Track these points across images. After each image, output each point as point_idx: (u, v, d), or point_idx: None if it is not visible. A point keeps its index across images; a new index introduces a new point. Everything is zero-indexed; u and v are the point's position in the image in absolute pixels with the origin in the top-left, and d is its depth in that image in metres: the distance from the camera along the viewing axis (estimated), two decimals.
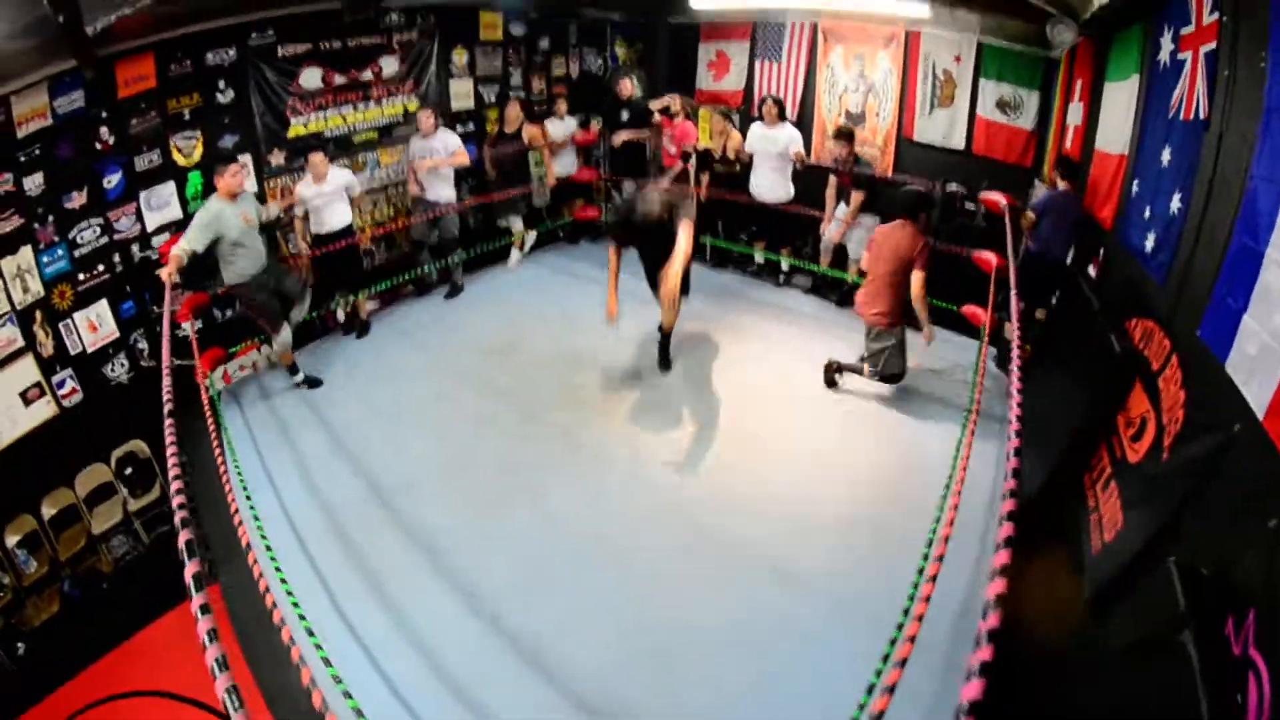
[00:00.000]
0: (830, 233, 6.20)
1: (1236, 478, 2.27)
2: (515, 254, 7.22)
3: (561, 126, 7.22)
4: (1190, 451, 2.56)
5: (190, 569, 1.92)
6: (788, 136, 6.18)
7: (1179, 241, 3.16)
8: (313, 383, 5.18)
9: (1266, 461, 2.07)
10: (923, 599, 2.26)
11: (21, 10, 3.52)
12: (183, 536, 2.04)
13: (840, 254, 6.31)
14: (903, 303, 4.43)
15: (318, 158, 5.43)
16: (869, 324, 4.58)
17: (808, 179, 6.38)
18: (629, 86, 7.27)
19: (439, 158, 6.13)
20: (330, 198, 5.55)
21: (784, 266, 6.75)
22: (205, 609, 1.84)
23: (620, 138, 7.08)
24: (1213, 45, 3.02)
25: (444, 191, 6.33)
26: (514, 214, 7.07)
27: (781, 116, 6.29)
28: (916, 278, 4.30)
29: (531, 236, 7.33)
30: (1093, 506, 3.26)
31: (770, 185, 6.37)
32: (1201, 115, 3.10)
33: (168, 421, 2.88)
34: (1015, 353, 3.80)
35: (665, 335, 4.96)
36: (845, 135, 5.86)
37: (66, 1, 3.53)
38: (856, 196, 5.84)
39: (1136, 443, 3.08)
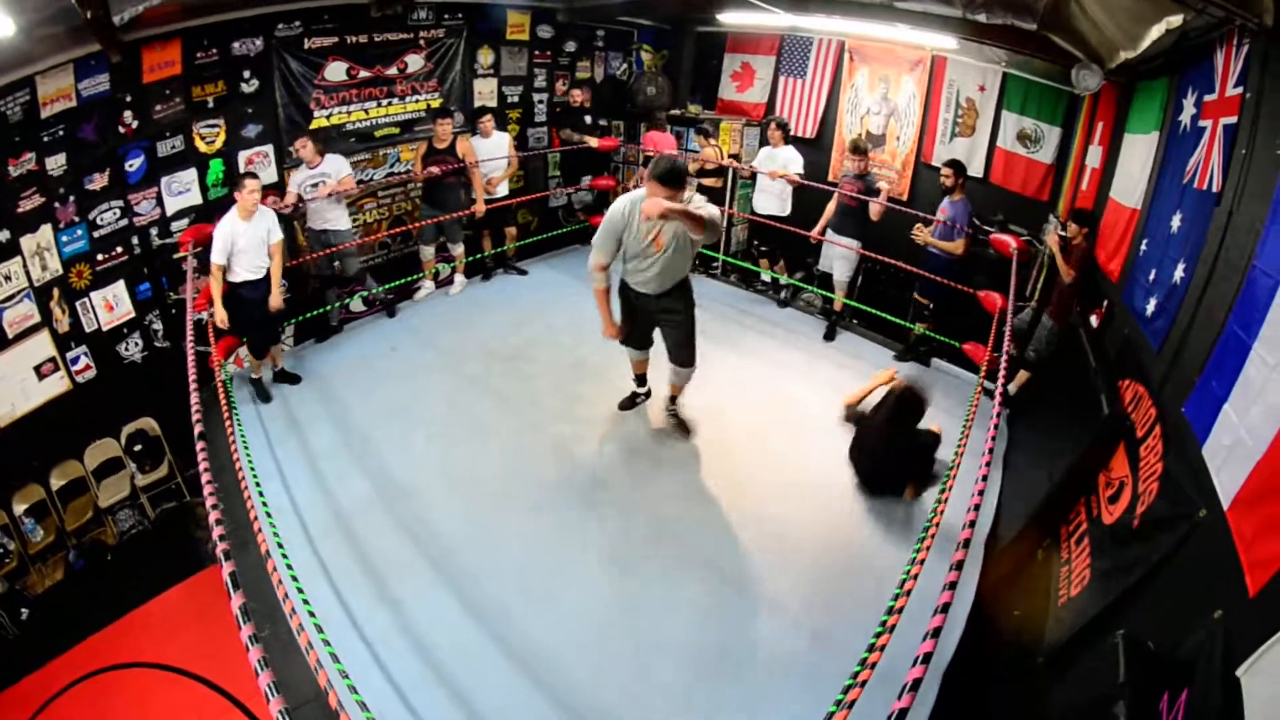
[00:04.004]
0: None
1: (1195, 561, 2.31)
2: (459, 279, 6.54)
3: (486, 146, 6.32)
4: (1158, 527, 2.58)
5: (236, 600, 2.10)
6: (786, 157, 6.10)
7: (1178, 312, 3.14)
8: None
9: (1223, 552, 2.10)
10: (888, 629, 2.33)
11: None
12: (221, 554, 2.17)
13: (826, 280, 6.21)
14: None
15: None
16: None
17: (820, 201, 6.27)
18: (578, 95, 7.24)
19: (330, 184, 5.43)
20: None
21: (782, 281, 6.71)
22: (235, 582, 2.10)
23: (589, 140, 7.12)
24: (1234, 119, 2.96)
25: (341, 221, 5.68)
26: (454, 239, 6.37)
27: (786, 139, 6.20)
28: None
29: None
30: (1065, 558, 3.29)
31: (767, 203, 6.32)
32: (1214, 188, 3.04)
33: (199, 442, 2.96)
34: (997, 400, 3.85)
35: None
36: (860, 150, 5.75)
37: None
38: (877, 207, 5.67)
39: (1113, 505, 3.10)
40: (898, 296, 6.33)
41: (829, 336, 5.95)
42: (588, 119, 7.34)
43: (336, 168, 5.47)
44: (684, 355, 4.17)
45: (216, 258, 4.50)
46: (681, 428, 4.51)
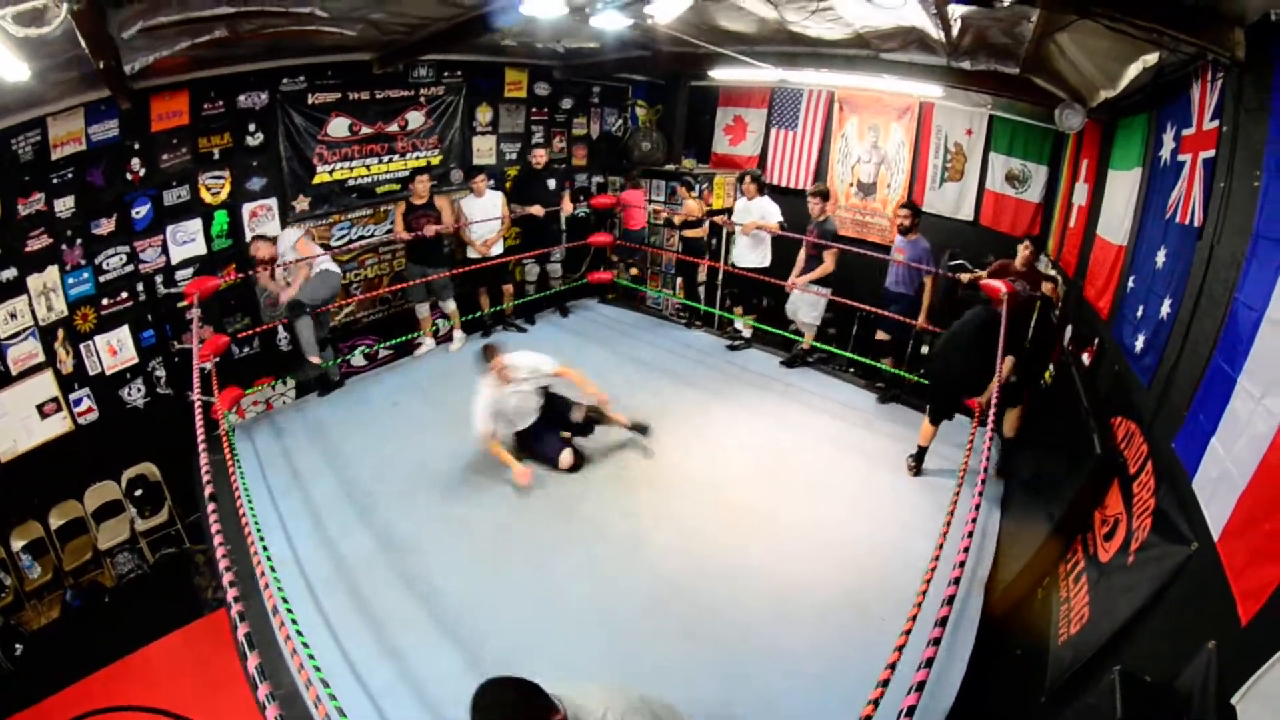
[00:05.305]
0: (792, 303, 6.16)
1: (1188, 594, 2.29)
2: (458, 335, 6.56)
3: (480, 205, 6.30)
4: (1151, 561, 2.56)
5: (252, 660, 2.11)
6: (760, 209, 6.19)
7: (1165, 347, 3.13)
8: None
9: (1215, 583, 2.09)
10: (880, 683, 2.33)
11: (63, 46, 3.57)
12: (241, 629, 2.21)
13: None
14: None
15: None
16: None
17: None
18: (541, 156, 6.86)
19: (290, 257, 5.34)
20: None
21: (743, 328, 6.70)
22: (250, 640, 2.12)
23: (532, 210, 6.60)
24: (1212, 153, 2.99)
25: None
26: (445, 296, 6.36)
27: (761, 191, 6.29)
28: None
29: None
30: (1064, 597, 3.25)
31: (746, 255, 6.36)
32: (1196, 222, 3.06)
33: (209, 504, 2.99)
34: (986, 452, 3.81)
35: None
36: (818, 194, 5.80)
37: (107, 48, 3.71)
38: (830, 256, 5.73)
39: (1108, 541, 3.07)
40: (893, 345, 6.34)
41: (789, 364, 6.21)
42: (550, 182, 6.89)
43: (288, 242, 5.37)
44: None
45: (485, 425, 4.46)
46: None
